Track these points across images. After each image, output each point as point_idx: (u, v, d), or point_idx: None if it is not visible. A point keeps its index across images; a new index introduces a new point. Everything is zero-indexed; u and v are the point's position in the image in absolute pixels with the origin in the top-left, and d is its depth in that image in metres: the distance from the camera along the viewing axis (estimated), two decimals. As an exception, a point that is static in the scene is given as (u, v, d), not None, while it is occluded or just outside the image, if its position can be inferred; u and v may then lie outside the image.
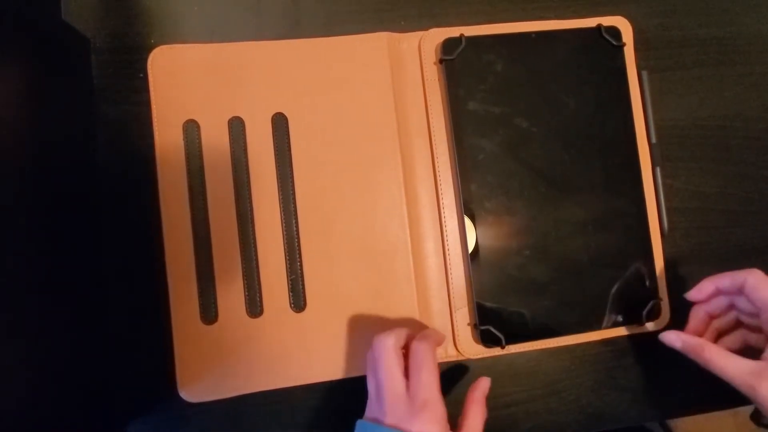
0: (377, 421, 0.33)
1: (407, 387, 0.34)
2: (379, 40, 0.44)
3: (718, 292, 0.40)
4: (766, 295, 0.35)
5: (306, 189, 0.42)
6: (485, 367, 0.44)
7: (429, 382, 0.33)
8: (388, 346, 0.35)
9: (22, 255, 0.32)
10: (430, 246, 0.44)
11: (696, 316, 0.41)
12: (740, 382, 0.35)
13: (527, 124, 0.43)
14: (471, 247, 0.42)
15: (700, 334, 0.40)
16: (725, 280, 0.38)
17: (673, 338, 0.39)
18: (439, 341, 0.38)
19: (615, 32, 0.45)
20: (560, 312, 0.43)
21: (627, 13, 0.47)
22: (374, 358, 0.35)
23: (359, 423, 0.35)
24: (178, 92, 0.42)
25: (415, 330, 0.39)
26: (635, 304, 0.44)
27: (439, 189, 0.44)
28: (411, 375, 0.34)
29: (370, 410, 0.35)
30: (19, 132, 0.33)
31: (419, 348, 0.35)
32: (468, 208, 0.42)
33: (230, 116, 0.42)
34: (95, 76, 0.43)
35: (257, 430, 0.42)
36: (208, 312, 0.41)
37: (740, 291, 0.37)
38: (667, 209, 0.46)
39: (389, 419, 0.33)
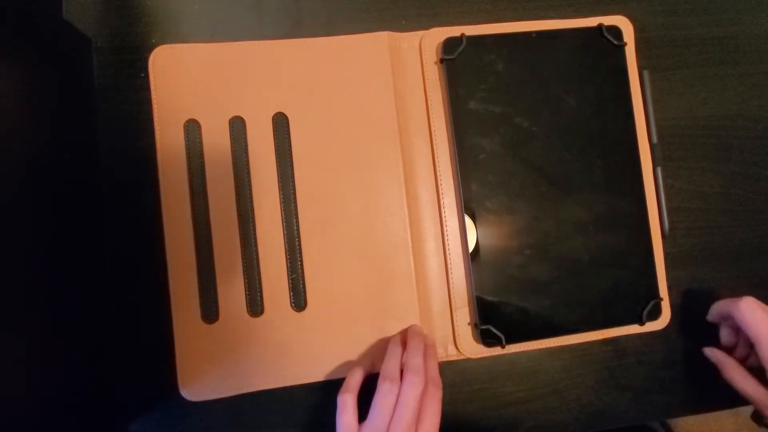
0: None
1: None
2: (380, 40, 0.44)
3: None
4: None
5: (307, 188, 0.42)
6: (485, 366, 0.44)
7: (437, 426, 0.36)
8: (420, 388, 0.36)
9: (23, 255, 0.32)
10: (431, 245, 0.44)
11: (723, 331, 0.44)
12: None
13: (528, 124, 0.43)
14: (471, 247, 0.42)
15: (733, 346, 0.43)
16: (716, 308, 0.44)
17: (708, 353, 0.44)
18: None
19: (616, 32, 0.45)
20: (561, 311, 0.43)
21: (628, 13, 0.47)
22: (405, 396, 0.36)
23: None
24: (179, 92, 0.42)
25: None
26: (636, 303, 0.44)
27: (440, 188, 0.44)
28: (427, 417, 0.36)
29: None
30: (20, 131, 0.33)
31: (438, 396, 0.37)
32: (468, 207, 0.42)
33: (231, 116, 0.42)
34: (96, 76, 0.43)
35: (258, 429, 0.42)
36: (209, 311, 0.41)
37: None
38: (668, 209, 0.46)
39: None
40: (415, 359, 0.38)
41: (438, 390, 0.37)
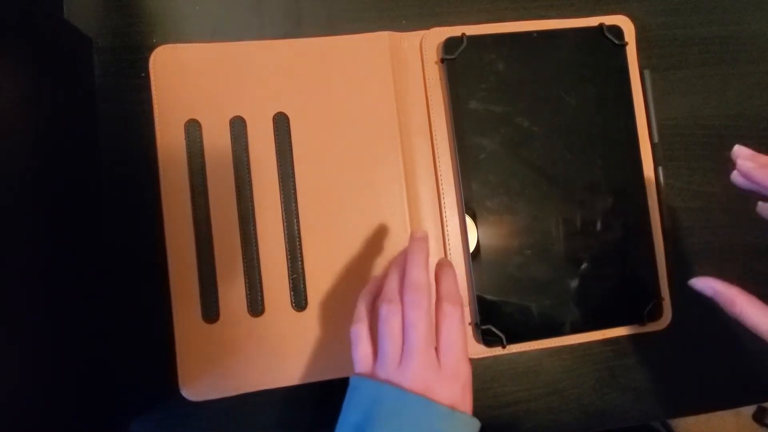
0: (398, 385, 0.30)
1: (437, 350, 0.31)
2: (381, 40, 0.44)
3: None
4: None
5: (307, 188, 0.42)
6: (486, 366, 0.44)
7: (462, 349, 0.31)
8: (424, 306, 0.31)
9: (24, 255, 0.32)
10: (432, 245, 0.44)
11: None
12: None
13: (528, 123, 0.43)
14: (472, 246, 0.42)
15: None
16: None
17: (702, 284, 0.33)
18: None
19: (617, 31, 0.45)
20: (561, 311, 0.42)
21: (629, 12, 0.47)
22: (409, 319, 0.31)
23: (370, 383, 0.31)
24: (179, 91, 0.42)
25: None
26: (636, 303, 0.44)
27: (441, 188, 0.44)
28: (443, 339, 0.31)
29: (384, 369, 0.31)
30: (21, 132, 0.33)
31: (455, 314, 0.32)
32: (469, 207, 0.42)
33: (232, 116, 0.42)
34: (97, 76, 0.43)
35: (258, 429, 0.42)
36: (210, 311, 0.41)
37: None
38: (669, 209, 0.46)
39: (417, 385, 0.30)
40: (413, 273, 0.32)
41: (455, 307, 0.32)
